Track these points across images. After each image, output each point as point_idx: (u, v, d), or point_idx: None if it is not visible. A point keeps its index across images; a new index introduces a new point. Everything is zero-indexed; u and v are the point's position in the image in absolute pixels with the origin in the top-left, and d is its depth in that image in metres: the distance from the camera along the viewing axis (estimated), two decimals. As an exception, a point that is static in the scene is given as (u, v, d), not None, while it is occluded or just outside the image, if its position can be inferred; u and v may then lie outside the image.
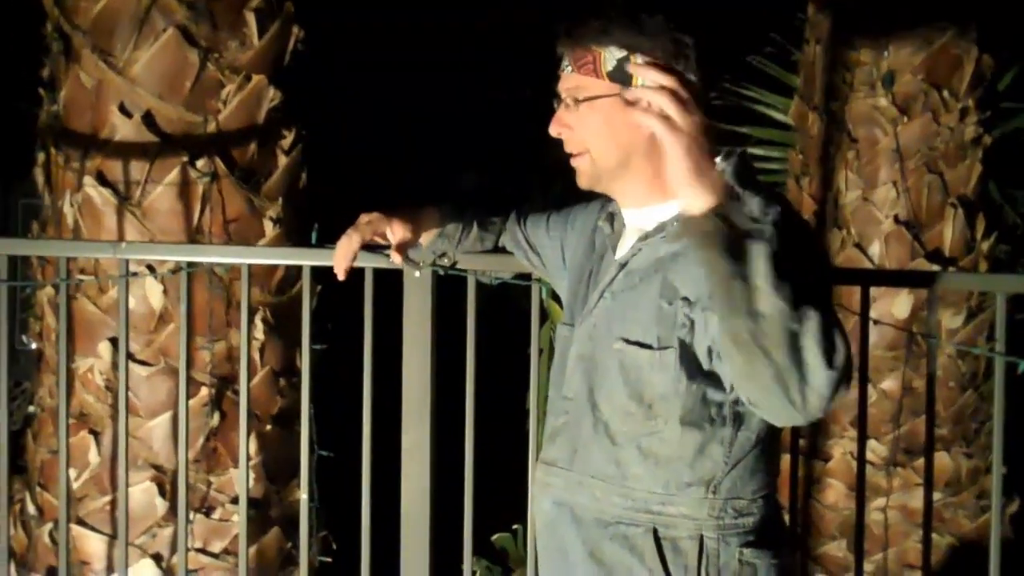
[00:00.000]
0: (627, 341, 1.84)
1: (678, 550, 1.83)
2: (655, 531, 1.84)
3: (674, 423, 1.81)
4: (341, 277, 2.42)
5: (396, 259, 2.49)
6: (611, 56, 1.83)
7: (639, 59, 1.81)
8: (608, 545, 1.87)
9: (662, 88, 1.62)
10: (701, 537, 1.83)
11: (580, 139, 1.89)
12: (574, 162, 1.92)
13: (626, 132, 1.85)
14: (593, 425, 1.90)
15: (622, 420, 1.86)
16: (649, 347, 1.81)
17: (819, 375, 1.52)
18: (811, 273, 1.61)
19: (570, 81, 1.88)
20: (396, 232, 2.40)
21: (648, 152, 1.87)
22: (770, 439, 1.87)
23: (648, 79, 1.69)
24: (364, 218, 2.39)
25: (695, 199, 1.57)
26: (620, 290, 1.91)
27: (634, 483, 1.86)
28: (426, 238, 2.50)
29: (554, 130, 1.92)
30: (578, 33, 1.86)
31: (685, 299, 1.79)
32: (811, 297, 1.54)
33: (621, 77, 1.83)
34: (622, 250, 1.96)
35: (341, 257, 2.38)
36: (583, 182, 1.93)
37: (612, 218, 2.02)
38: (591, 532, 1.90)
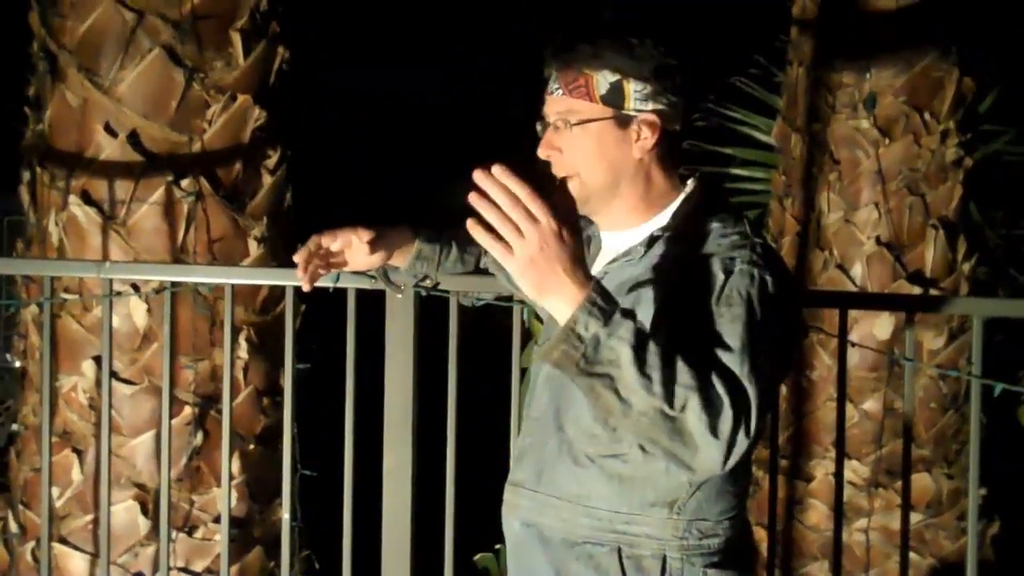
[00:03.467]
0: None
1: (641, 569, 1.85)
2: (619, 550, 1.86)
3: (638, 445, 1.82)
4: (304, 286, 2.36)
5: (364, 256, 2.38)
6: (604, 79, 1.86)
7: (632, 84, 1.84)
8: (574, 565, 1.88)
9: (509, 197, 1.57)
10: (664, 557, 1.84)
11: (570, 162, 1.89)
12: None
13: (617, 154, 1.87)
14: (558, 446, 1.92)
15: (587, 442, 1.87)
16: None
17: (705, 443, 1.59)
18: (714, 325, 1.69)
19: (560, 104, 1.89)
20: (361, 234, 2.33)
21: (635, 175, 1.90)
22: (738, 462, 1.88)
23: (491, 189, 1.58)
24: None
25: (552, 308, 1.60)
26: None
27: (599, 503, 1.87)
28: (402, 258, 2.45)
29: (543, 153, 1.92)
30: (568, 57, 1.88)
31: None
32: (697, 365, 1.60)
33: (614, 100, 1.86)
34: (594, 274, 1.98)
35: (298, 256, 2.33)
36: None
37: (589, 241, 2.04)
38: (558, 552, 1.91)
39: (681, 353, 1.59)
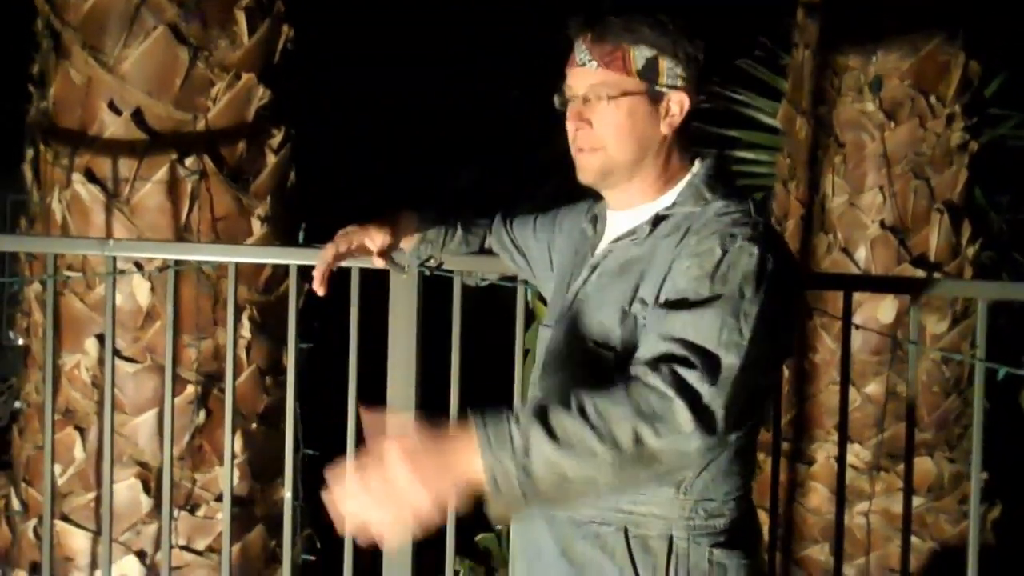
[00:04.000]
0: (595, 343, 1.86)
1: (648, 549, 1.84)
2: (626, 530, 1.85)
3: None
4: (319, 291, 2.48)
5: (378, 263, 2.53)
6: (640, 54, 1.86)
7: (665, 60, 1.86)
8: (580, 544, 1.88)
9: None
10: (671, 537, 1.84)
11: (598, 136, 1.90)
12: (583, 157, 1.92)
13: (646, 130, 1.89)
14: None
15: None
16: (613, 350, 1.83)
17: (683, 443, 1.55)
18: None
19: (594, 76, 1.88)
20: (375, 239, 2.45)
21: (659, 152, 1.91)
22: (744, 443, 1.88)
23: None
24: (340, 232, 2.47)
25: (469, 472, 1.51)
26: (591, 292, 1.93)
27: None
28: (408, 243, 2.51)
29: (572, 125, 1.92)
30: (603, 30, 1.88)
31: (643, 301, 1.81)
32: (626, 387, 1.56)
33: (648, 75, 1.87)
34: (599, 252, 1.98)
35: (316, 270, 2.47)
36: (588, 178, 1.94)
37: (595, 220, 2.04)
38: (564, 531, 1.91)
39: (598, 391, 1.55)
